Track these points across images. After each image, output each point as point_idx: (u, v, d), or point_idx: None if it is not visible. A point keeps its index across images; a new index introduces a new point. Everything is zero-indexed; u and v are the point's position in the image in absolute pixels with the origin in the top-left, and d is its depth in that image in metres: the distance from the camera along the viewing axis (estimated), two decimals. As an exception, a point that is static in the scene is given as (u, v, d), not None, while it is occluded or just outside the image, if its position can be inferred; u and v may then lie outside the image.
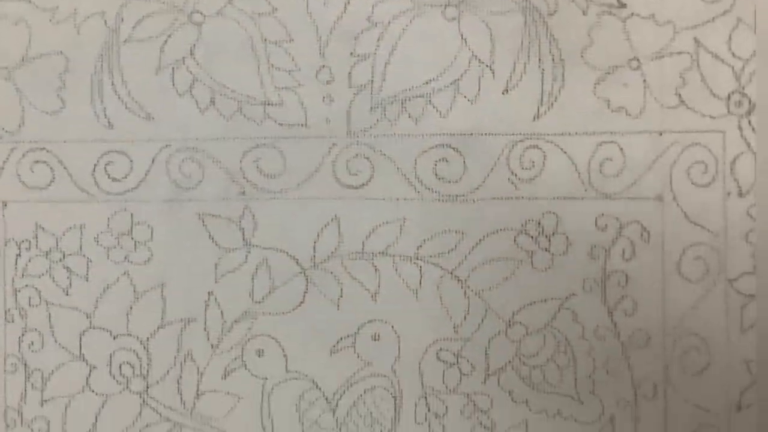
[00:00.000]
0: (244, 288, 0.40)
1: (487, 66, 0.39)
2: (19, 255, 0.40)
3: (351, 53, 0.40)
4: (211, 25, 0.40)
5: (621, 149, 0.39)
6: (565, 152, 0.39)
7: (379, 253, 0.40)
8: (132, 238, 0.40)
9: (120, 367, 0.40)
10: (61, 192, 0.40)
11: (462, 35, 0.39)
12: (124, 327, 0.40)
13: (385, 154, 0.40)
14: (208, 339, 0.40)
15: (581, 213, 0.39)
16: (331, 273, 0.40)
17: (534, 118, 0.39)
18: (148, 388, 0.40)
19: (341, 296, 0.40)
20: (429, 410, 0.40)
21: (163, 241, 0.40)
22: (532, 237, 0.39)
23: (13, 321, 0.40)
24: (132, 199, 0.40)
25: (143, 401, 0.40)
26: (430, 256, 0.40)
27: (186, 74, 0.40)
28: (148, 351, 0.40)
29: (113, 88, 0.40)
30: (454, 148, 0.40)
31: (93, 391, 0.40)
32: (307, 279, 0.40)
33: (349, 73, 0.40)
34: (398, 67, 0.40)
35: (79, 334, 0.40)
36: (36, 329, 0.40)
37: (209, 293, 0.40)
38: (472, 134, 0.40)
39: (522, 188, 0.39)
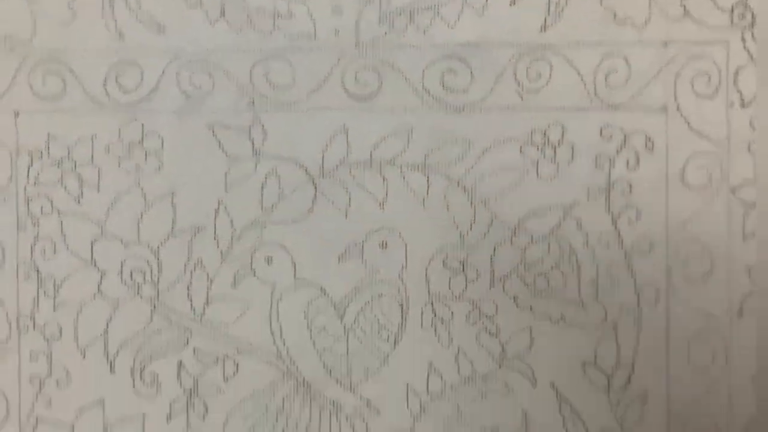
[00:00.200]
0: (253, 197, 0.41)
1: (494, -23, 0.40)
2: (31, 164, 0.41)
3: (360, -35, 0.40)
4: (221, -64, 0.40)
5: (626, 60, 0.40)
6: (571, 63, 0.40)
7: (387, 162, 0.40)
8: (143, 148, 0.41)
9: (131, 273, 0.41)
10: (72, 102, 0.41)
11: (470, -54, 0.40)
12: (135, 235, 0.41)
13: (392, 65, 0.40)
14: (218, 247, 0.41)
15: (586, 123, 0.40)
16: (340, 182, 0.40)
17: (541, 29, 0.40)
18: (158, 294, 0.41)
19: (349, 205, 0.40)
20: (435, 316, 0.40)
21: (174, 151, 0.41)
22: (537, 147, 0.40)
23: (25, 229, 0.41)
24: (143, 109, 0.41)
25: (154, 307, 0.41)
26: (437, 166, 0.40)
27: (196, -14, 0.41)
28: (158, 258, 0.41)
29: (124, -1, 0.41)
30: (461, 59, 0.40)
31: (104, 298, 0.41)
32: (315, 188, 0.40)
33: (358, -16, 0.40)
34: (406, -21, 0.40)
35: (91, 241, 0.41)
36: (48, 237, 0.41)
37: (219, 202, 0.41)
38: (479, 45, 0.40)
39: (528, 99, 0.40)
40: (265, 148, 0.40)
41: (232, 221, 0.41)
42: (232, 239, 0.41)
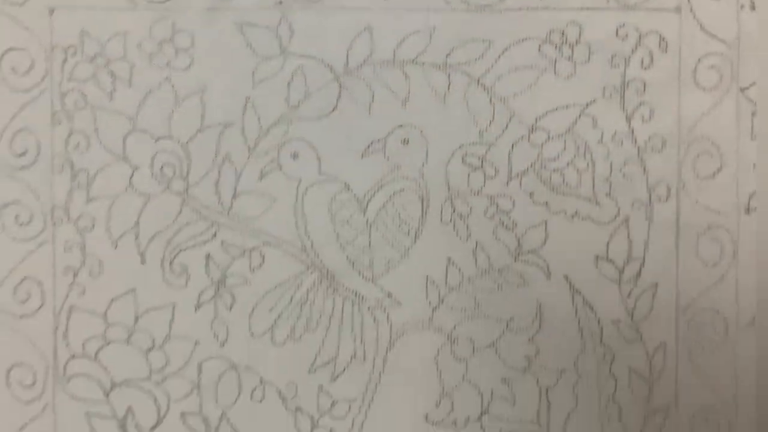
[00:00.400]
0: (280, 94, 0.42)
1: None
2: (66, 60, 0.42)
3: None
4: None
5: (642, -37, 0.41)
6: (588, -34, 0.41)
7: (410, 61, 0.42)
8: (173, 46, 0.42)
9: (161, 168, 0.42)
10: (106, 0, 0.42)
11: None
12: (166, 130, 0.42)
13: (416, -33, 0.42)
14: (246, 142, 0.42)
15: (603, 23, 0.41)
16: (364, 80, 0.42)
17: (559, -68, 0.41)
18: (188, 188, 0.42)
19: (373, 102, 0.42)
20: (454, 211, 0.42)
21: (204, 48, 0.42)
22: (555, 46, 0.41)
23: (60, 123, 0.42)
24: (173, 8, 0.42)
25: (183, 201, 0.42)
26: (458, 64, 0.42)
27: None
28: (188, 153, 0.42)
29: None
30: (482, -38, 0.41)
31: (136, 191, 0.42)
32: (340, 85, 0.42)
33: None
34: None
35: (123, 136, 0.42)
36: (82, 132, 0.42)
37: (247, 99, 0.42)
38: (500, -52, 0.41)
39: None
40: (291, 47, 0.42)
41: (259, 117, 0.42)
42: (259, 135, 0.42)
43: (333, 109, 0.42)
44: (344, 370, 0.42)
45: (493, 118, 0.42)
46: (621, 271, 0.42)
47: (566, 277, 0.42)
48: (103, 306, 0.42)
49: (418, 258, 0.42)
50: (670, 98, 0.41)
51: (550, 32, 0.41)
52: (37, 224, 0.42)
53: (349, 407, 0.42)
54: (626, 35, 0.41)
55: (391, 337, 0.42)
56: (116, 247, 0.42)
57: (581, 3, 0.41)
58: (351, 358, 0.42)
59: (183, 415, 0.42)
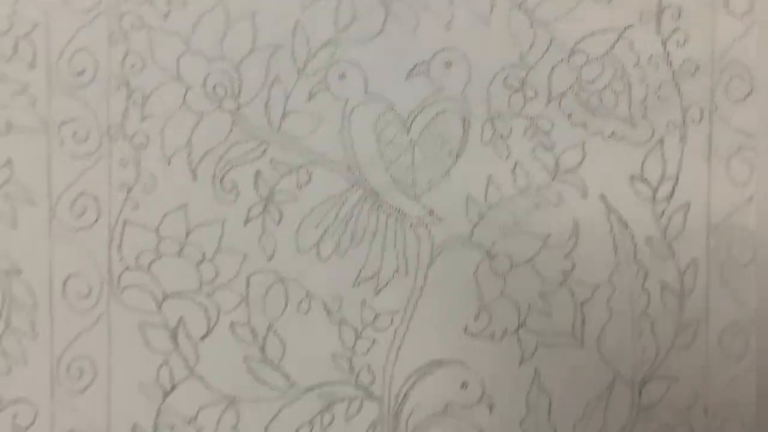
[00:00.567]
0: (328, 17, 0.44)
1: None
2: (123, -17, 0.44)
3: None
4: None
5: None
6: None
7: (454, -14, 0.43)
8: (226, -30, 0.44)
9: (214, 87, 0.44)
10: (160, -73, 0.44)
11: None
12: (219, 51, 0.44)
13: None
14: (295, 64, 0.44)
15: (640, -50, 0.43)
16: (409, 4, 0.43)
17: None
18: (239, 107, 0.44)
19: (417, 25, 0.43)
20: (495, 131, 0.44)
21: (255, -27, 0.44)
22: (594, -28, 0.43)
23: (117, 44, 0.44)
24: (226, -65, 0.44)
25: (234, 120, 0.44)
26: (501, -10, 0.43)
27: None
28: (239, 73, 0.44)
29: None
30: None
31: (188, 110, 0.44)
32: (386, 9, 0.43)
33: None
34: None
35: (177, 56, 0.44)
36: (137, 52, 0.44)
37: (296, 22, 0.44)
38: None
39: (586, -71, 0.43)
40: (340, -28, 0.44)
41: (308, 39, 0.44)
42: (308, 57, 0.44)
43: (379, 32, 0.44)
44: (387, 284, 0.44)
45: (534, 41, 0.43)
46: (655, 191, 0.43)
47: (602, 196, 0.43)
48: (156, 220, 0.44)
49: (459, 177, 0.44)
50: (703, 24, 0.43)
51: (589, -41, 0.43)
52: (94, 141, 0.44)
53: (392, 320, 0.44)
54: (663, -38, 0.43)
55: (432, 252, 0.44)
56: (169, 163, 0.44)
57: (620, -70, 0.43)
58: (393, 273, 0.44)
59: (232, 325, 0.44)
